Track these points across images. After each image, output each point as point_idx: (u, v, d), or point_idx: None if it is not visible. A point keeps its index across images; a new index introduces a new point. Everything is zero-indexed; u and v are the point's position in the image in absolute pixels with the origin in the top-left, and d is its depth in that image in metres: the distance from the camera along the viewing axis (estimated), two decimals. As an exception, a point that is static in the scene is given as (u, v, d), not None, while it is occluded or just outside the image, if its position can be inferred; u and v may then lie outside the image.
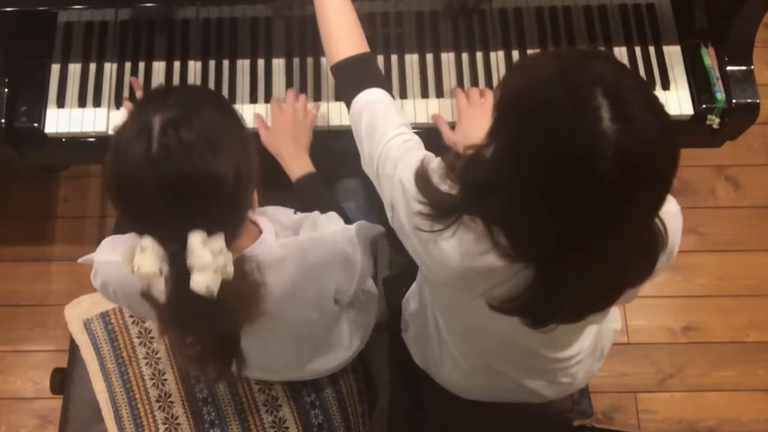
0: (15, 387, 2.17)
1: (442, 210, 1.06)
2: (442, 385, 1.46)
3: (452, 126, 1.56)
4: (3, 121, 1.55)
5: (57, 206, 2.34)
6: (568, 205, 0.91)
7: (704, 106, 1.59)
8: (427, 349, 1.44)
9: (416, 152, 1.18)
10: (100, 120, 1.59)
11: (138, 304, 1.15)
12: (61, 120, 1.58)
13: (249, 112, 1.58)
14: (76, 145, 1.60)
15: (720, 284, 2.27)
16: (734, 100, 1.57)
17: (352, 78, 1.29)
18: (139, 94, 1.59)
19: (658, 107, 0.91)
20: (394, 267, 1.74)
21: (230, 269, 1.04)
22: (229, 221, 1.07)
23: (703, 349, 2.21)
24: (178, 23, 1.64)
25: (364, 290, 1.46)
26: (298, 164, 1.49)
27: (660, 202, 0.95)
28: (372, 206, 1.63)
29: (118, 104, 1.60)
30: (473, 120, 1.51)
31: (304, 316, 1.26)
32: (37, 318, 2.22)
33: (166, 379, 1.55)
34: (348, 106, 1.29)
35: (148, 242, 1.02)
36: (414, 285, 1.49)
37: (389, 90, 1.30)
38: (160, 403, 1.54)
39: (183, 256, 1.02)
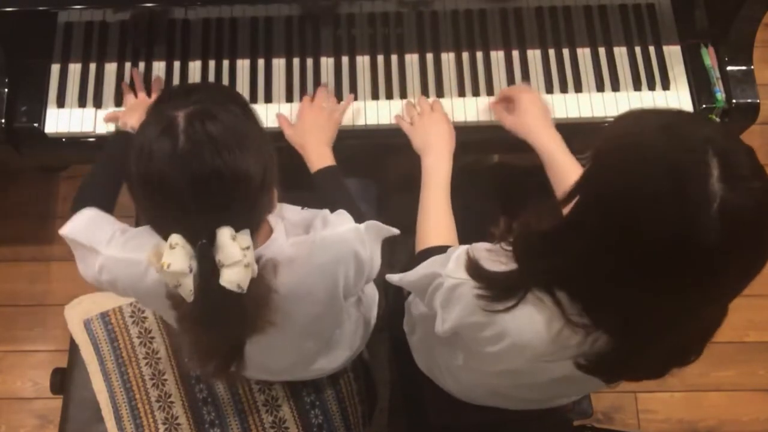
0: (15, 387, 2.17)
1: (504, 288, 1.05)
2: (446, 390, 1.46)
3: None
4: (3, 121, 1.55)
5: (57, 206, 2.33)
6: (656, 263, 0.88)
7: (704, 106, 1.59)
8: (432, 357, 1.44)
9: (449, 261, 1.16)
10: (101, 120, 1.58)
11: (150, 301, 1.14)
12: (61, 120, 1.58)
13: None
14: (76, 145, 1.60)
15: (720, 284, 2.26)
16: (734, 100, 1.57)
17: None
18: (138, 85, 1.59)
19: (765, 173, 0.89)
20: (394, 267, 1.73)
21: (256, 267, 1.04)
22: (253, 219, 1.07)
23: (703, 349, 2.21)
24: (178, 23, 1.64)
25: (364, 290, 1.46)
26: (319, 157, 1.49)
27: (753, 275, 0.93)
28: (371, 206, 1.63)
29: (119, 104, 1.60)
30: (536, 104, 1.50)
31: (312, 314, 1.26)
32: (37, 318, 2.22)
33: (166, 379, 1.55)
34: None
35: (177, 239, 1.00)
36: None
37: None
38: (160, 403, 1.54)
39: (212, 253, 1.00)
